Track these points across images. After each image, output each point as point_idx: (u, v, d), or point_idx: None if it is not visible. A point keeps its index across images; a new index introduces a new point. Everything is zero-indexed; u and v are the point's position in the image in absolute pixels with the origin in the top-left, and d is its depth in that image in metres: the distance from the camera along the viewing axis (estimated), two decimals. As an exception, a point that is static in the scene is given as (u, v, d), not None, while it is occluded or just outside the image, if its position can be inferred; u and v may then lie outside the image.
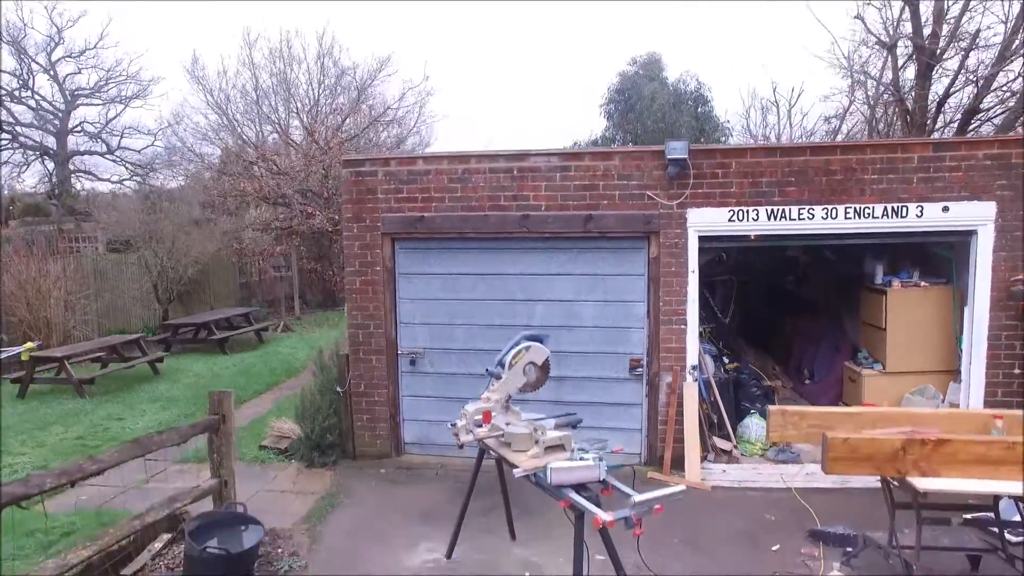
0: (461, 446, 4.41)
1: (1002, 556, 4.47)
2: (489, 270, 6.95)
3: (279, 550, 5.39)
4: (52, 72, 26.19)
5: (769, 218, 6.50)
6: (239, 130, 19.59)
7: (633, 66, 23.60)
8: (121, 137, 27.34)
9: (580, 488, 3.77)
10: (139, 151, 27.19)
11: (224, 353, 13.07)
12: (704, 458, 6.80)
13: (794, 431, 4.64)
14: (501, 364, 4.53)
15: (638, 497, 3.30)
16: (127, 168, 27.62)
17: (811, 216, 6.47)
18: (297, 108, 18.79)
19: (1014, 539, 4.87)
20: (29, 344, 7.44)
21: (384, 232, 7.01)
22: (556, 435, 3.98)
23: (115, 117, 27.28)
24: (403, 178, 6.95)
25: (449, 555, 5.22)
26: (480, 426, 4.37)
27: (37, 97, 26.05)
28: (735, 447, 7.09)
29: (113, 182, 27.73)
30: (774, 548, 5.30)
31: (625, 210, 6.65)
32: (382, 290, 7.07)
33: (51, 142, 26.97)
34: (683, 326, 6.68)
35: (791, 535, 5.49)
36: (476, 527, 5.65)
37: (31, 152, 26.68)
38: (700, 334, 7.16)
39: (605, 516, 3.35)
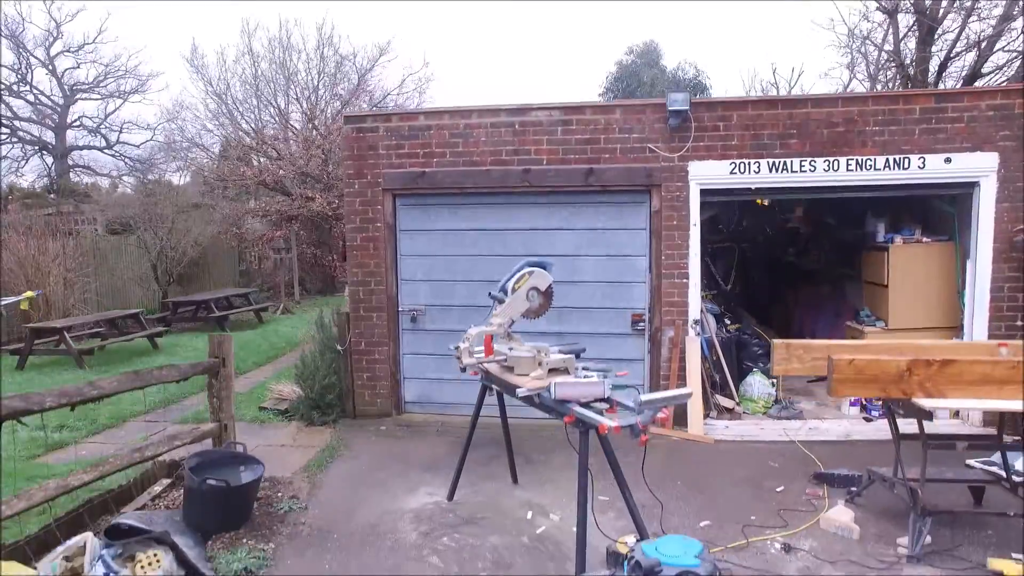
0: (463, 369, 4.37)
1: (1005, 486, 4.44)
2: (490, 225, 6.93)
3: (279, 494, 5.35)
4: (51, 67, 26.16)
5: (771, 170, 6.49)
6: (238, 119, 19.57)
7: (630, 55, 23.68)
8: (120, 132, 27.35)
9: (584, 406, 3.73)
10: (138, 146, 27.18)
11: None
12: (707, 416, 6.77)
13: (799, 364, 4.62)
14: (504, 290, 4.51)
15: (644, 396, 3.27)
16: (126, 163, 27.60)
17: (813, 168, 6.46)
18: (296, 94, 18.79)
19: (1017, 479, 4.84)
20: (29, 293, 7.40)
21: (385, 188, 6.99)
22: (560, 357, 3.96)
23: (114, 111, 27.30)
24: (404, 134, 6.94)
25: (450, 497, 5.19)
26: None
27: (35, 92, 26.04)
28: (738, 404, 7.07)
29: (112, 177, 27.74)
30: (778, 489, 5.27)
31: (626, 163, 6.63)
32: (383, 247, 7.04)
33: (49, 137, 26.96)
34: (685, 280, 6.66)
35: (795, 479, 5.46)
36: (477, 474, 5.63)
37: (30, 147, 26.66)
38: (703, 297, 7.14)
39: (610, 422, 3.32)
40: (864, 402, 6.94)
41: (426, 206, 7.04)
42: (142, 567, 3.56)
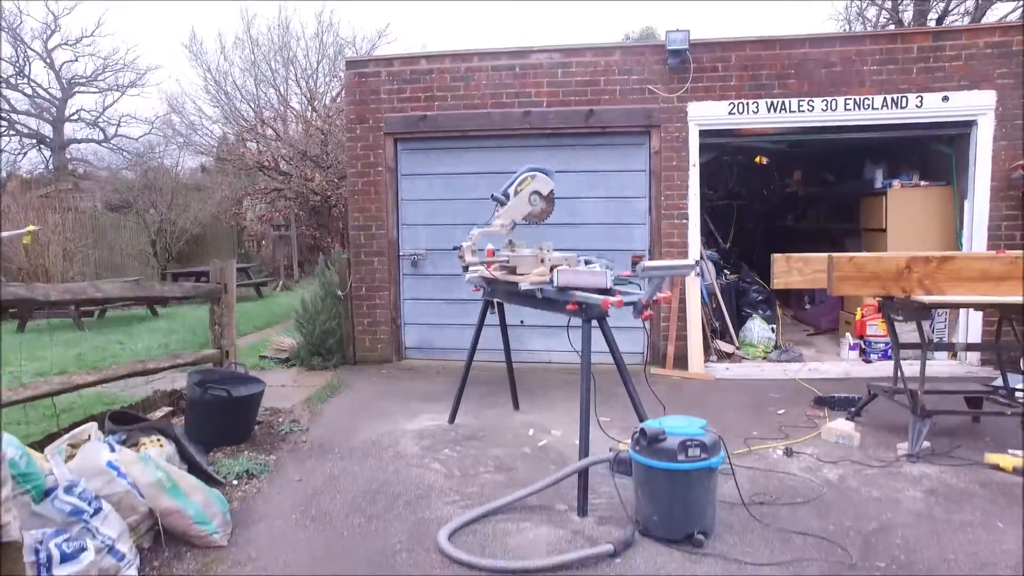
0: (466, 268, 4.39)
1: (1002, 394, 4.45)
2: (491, 169, 6.94)
3: (280, 420, 5.35)
4: (48, 60, 26.16)
5: (769, 111, 6.52)
6: (236, 103, 19.56)
7: (628, 42, 23.78)
8: (118, 125, 27.36)
9: (586, 299, 3.74)
10: (136, 139, 27.19)
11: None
12: (707, 360, 6.79)
13: (799, 276, 4.65)
14: (506, 193, 4.53)
15: (646, 263, 3.29)
16: (124, 157, 27.57)
17: (811, 108, 6.49)
18: (296, 76, 18.79)
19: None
20: (31, 227, 7.41)
21: (387, 132, 7.01)
22: (562, 255, 3.98)
23: (112, 104, 27.30)
24: (406, 78, 6.97)
25: (452, 420, 5.20)
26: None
27: (33, 85, 26.04)
28: (738, 349, 7.09)
29: (110, 170, 27.70)
30: (779, 412, 5.30)
31: (626, 105, 6.67)
32: (384, 191, 7.07)
33: (47, 130, 26.96)
34: (684, 220, 6.69)
35: (796, 404, 5.49)
36: (479, 403, 5.65)
37: (27, 140, 26.66)
38: (703, 244, 7.17)
39: (613, 298, 3.34)
40: (863, 345, 6.96)
41: (427, 150, 7.07)
42: (145, 448, 3.56)
